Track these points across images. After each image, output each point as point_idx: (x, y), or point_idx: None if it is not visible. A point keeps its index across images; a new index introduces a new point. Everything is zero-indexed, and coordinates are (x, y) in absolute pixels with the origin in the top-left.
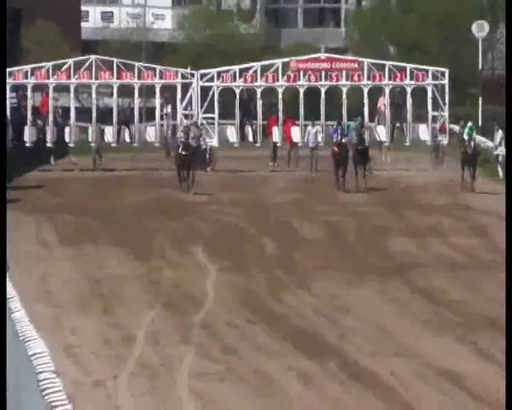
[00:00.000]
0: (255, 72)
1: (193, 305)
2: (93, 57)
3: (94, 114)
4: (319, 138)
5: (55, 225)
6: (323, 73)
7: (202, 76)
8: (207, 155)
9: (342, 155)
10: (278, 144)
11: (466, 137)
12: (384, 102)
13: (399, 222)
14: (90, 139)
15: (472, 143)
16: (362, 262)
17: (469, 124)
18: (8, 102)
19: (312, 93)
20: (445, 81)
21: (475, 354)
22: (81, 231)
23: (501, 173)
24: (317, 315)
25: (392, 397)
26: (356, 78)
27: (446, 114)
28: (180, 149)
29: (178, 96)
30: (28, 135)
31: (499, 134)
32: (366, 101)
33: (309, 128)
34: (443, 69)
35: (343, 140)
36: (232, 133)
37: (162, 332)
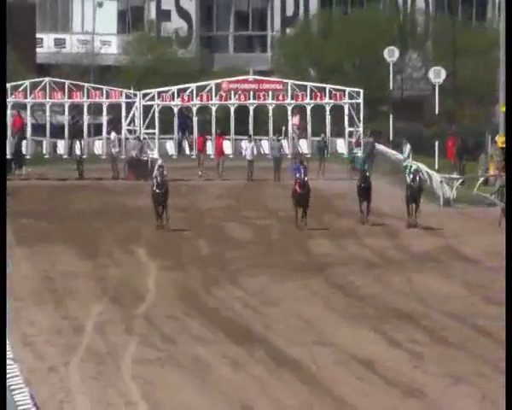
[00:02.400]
0: (191, 92)
1: (136, 299)
2: (47, 79)
3: (48, 130)
4: (255, 152)
5: (13, 228)
6: (252, 93)
7: (144, 95)
8: (149, 166)
9: (303, 192)
10: (211, 156)
11: (411, 175)
12: (297, 120)
13: (319, 225)
14: (44, 152)
15: (417, 181)
16: (286, 261)
17: (416, 164)
18: None
19: (242, 111)
20: (360, 100)
21: (386, 342)
22: (36, 234)
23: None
24: (247, 308)
25: (312, 381)
26: (281, 97)
27: (361, 129)
28: (155, 186)
29: (123, 113)
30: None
31: (407, 148)
32: (290, 118)
33: (246, 143)
34: (358, 89)
35: (305, 179)
36: (171, 146)
37: (108, 323)
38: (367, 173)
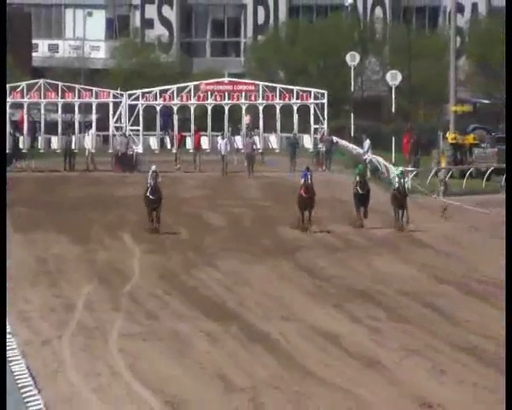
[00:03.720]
0: (172, 92)
1: (122, 279)
2: (41, 81)
3: (42, 127)
4: (228, 147)
5: (10, 215)
6: (227, 94)
7: (130, 96)
8: (134, 160)
9: (308, 196)
10: (191, 151)
11: (397, 179)
12: (249, 119)
13: (287, 213)
14: (39, 146)
15: (402, 185)
16: (258, 245)
17: (400, 169)
18: None
19: (218, 110)
20: (325, 100)
21: (347, 319)
22: (31, 221)
23: (368, 173)
24: (222, 287)
25: (281, 353)
26: (253, 98)
27: (325, 126)
28: (148, 192)
29: (111, 112)
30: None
31: (367, 143)
32: (261, 116)
33: (219, 140)
34: (322, 91)
35: (311, 184)
36: (154, 142)
37: (97, 301)
38: (366, 180)
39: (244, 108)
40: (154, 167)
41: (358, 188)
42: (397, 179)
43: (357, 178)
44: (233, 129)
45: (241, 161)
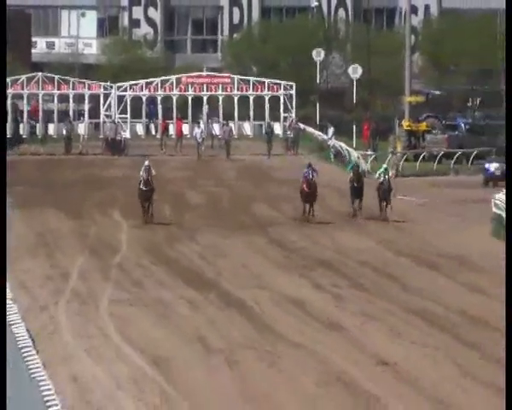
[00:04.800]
0: (157, 84)
1: (111, 251)
2: (40, 74)
3: (40, 115)
4: (203, 134)
5: (10, 194)
6: (205, 86)
7: (118, 87)
8: (122, 144)
9: (310, 190)
10: (173, 136)
11: (381, 175)
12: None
13: (261, 192)
14: (37, 133)
15: (387, 180)
16: (234, 221)
17: (384, 166)
18: None
19: (197, 100)
20: (293, 92)
21: (313, 286)
22: (29, 199)
23: (332, 157)
24: (201, 259)
25: (255, 318)
26: (228, 89)
27: (293, 115)
28: (141, 184)
29: (101, 102)
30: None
31: (331, 130)
32: (236, 106)
33: (195, 128)
34: (291, 83)
35: (313, 179)
36: (140, 128)
37: (89, 271)
38: (360, 174)
39: (221, 98)
40: (147, 162)
41: (354, 182)
42: (382, 175)
43: (352, 173)
44: (208, 118)
45: (219, 146)
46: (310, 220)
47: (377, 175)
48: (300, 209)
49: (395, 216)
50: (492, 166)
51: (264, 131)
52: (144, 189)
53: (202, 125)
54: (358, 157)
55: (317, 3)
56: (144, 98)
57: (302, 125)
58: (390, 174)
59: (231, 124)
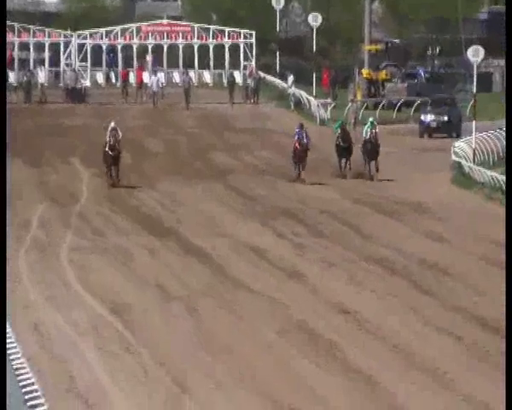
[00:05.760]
0: (117, 33)
1: (72, 199)
2: None
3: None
4: (160, 84)
5: None
6: (165, 34)
7: (79, 36)
8: (82, 93)
9: (302, 149)
10: (133, 85)
11: (368, 129)
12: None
13: (219, 140)
14: None
15: (374, 135)
16: (192, 169)
17: (371, 119)
18: None
19: (158, 48)
20: (253, 40)
21: (273, 234)
22: None
23: (292, 106)
24: (160, 206)
25: (213, 265)
26: (189, 38)
27: (253, 63)
28: (107, 147)
29: (62, 50)
30: None
31: (291, 78)
32: (196, 54)
33: (152, 77)
34: (251, 31)
35: (304, 140)
36: (100, 77)
37: (49, 219)
38: (347, 132)
39: (181, 46)
40: (113, 124)
41: (340, 140)
42: (368, 131)
43: (339, 131)
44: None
45: (179, 94)
46: (302, 182)
47: (364, 132)
48: (260, 155)
49: (353, 165)
50: (428, 118)
51: (225, 80)
52: (110, 153)
53: (159, 74)
54: (318, 105)
55: None
56: (104, 47)
57: (262, 74)
58: (351, 123)
59: (191, 72)
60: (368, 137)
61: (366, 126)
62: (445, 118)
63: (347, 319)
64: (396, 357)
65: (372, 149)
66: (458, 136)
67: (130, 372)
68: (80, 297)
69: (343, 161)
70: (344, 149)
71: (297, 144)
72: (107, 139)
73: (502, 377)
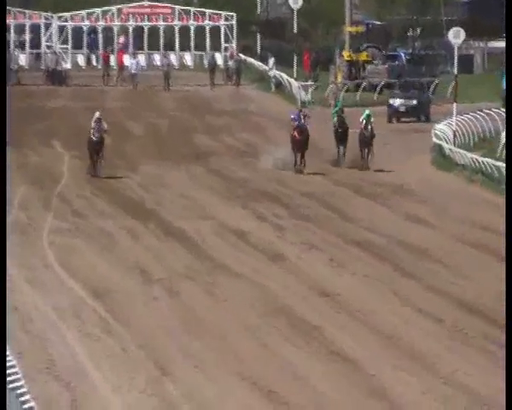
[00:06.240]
0: (97, 15)
1: (52, 182)
2: None
3: None
4: (139, 66)
5: None
6: (146, 16)
7: (59, 18)
8: (63, 75)
9: (302, 138)
10: (114, 68)
11: (364, 121)
12: (122, 40)
13: (201, 123)
14: None
15: (369, 127)
16: (174, 152)
17: (367, 111)
18: None
19: (139, 30)
20: (234, 22)
21: (255, 217)
22: None
23: (273, 87)
24: (142, 189)
25: (195, 248)
26: (170, 20)
27: (234, 45)
28: (91, 134)
29: (42, 32)
30: None
31: (271, 60)
32: (177, 36)
33: (131, 59)
34: (232, 13)
35: (304, 125)
36: (81, 59)
37: (30, 201)
38: (344, 118)
39: (162, 28)
40: (97, 114)
41: (338, 127)
42: (364, 122)
43: (336, 117)
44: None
45: (160, 76)
46: (301, 172)
47: (361, 121)
48: (241, 137)
49: (332, 144)
50: (397, 102)
51: (206, 62)
52: (95, 139)
53: (139, 57)
54: (299, 87)
55: None
56: (85, 29)
57: (243, 56)
58: (331, 104)
59: (172, 54)
60: (364, 127)
61: (362, 117)
62: (414, 102)
63: (328, 301)
64: (377, 339)
65: (367, 141)
66: (427, 120)
67: (111, 355)
68: (61, 280)
69: (341, 147)
70: (341, 135)
71: (296, 133)
72: (91, 131)
73: (482, 359)
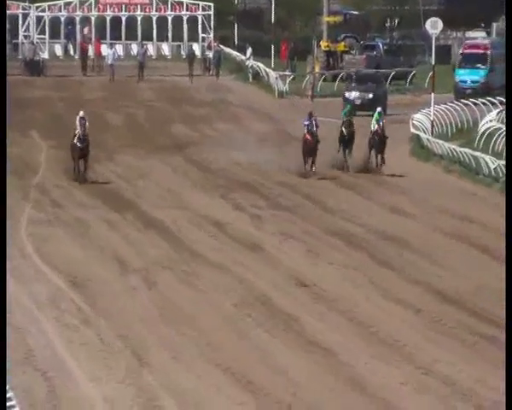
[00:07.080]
0: (75, 5)
1: (30, 172)
2: None
3: None
4: (115, 56)
5: None
6: (124, 6)
7: (37, 8)
8: (41, 65)
9: (312, 143)
10: (92, 57)
11: (375, 121)
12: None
13: (179, 113)
14: None
15: (381, 127)
16: (152, 142)
17: (379, 109)
18: None
19: (116, 20)
20: (211, 12)
21: (234, 208)
22: None
23: (250, 78)
24: (120, 179)
25: (173, 238)
26: (147, 10)
27: (212, 36)
28: (75, 139)
29: (20, 22)
30: None
31: (249, 50)
32: (155, 27)
33: (108, 50)
34: (209, 3)
35: (315, 130)
36: (59, 49)
37: (8, 192)
38: (351, 121)
39: (139, 18)
40: (81, 113)
41: (343, 128)
42: (375, 122)
43: (344, 119)
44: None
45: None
46: (311, 176)
47: (371, 124)
48: (219, 129)
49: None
50: (352, 95)
51: (184, 53)
52: (79, 145)
53: (116, 47)
54: (277, 77)
55: None
56: (63, 19)
57: (220, 46)
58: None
59: (149, 45)
60: (375, 128)
61: (374, 118)
62: (370, 95)
63: (306, 291)
64: (355, 329)
65: (379, 142)
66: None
67: (89, 345)
68: (40, 270)
69: (346, 151)
70: (345, 139)
71: (308, 136)
72: (76, 131)
73: (461, 349)
